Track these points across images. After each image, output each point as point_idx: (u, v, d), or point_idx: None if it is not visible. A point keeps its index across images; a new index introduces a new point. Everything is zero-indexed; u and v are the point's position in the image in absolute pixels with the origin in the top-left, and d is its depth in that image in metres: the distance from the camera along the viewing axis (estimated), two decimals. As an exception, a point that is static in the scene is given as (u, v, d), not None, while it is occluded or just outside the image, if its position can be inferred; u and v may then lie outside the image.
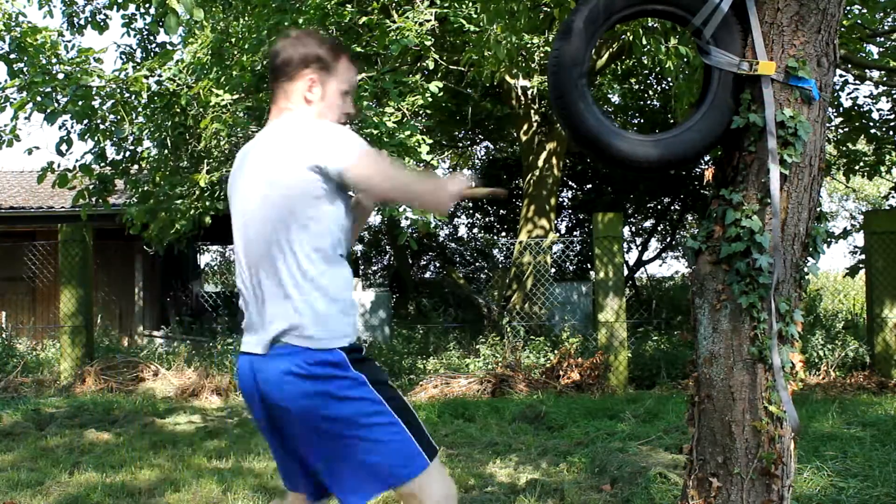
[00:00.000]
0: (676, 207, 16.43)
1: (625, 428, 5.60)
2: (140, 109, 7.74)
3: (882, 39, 8.38)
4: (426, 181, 2.08)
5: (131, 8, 10.27)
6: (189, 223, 8.04)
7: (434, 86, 7.78)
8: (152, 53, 11.15)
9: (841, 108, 9.84)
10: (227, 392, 7.80)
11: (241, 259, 2.05)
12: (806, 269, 2.51)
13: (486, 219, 18.19)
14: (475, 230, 18.62)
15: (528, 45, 8.90)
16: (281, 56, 2.06)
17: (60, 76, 7.28)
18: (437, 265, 17.79)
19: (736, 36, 2.49)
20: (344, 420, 1.92)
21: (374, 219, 18.89)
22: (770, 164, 2.40)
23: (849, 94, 10.74)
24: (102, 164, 8.14)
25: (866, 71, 8.68)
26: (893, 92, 9.81)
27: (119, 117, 7.60)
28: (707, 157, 3.01)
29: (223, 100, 7.07)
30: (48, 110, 7.15)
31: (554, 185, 11.84)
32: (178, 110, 7.66)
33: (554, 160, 11.68)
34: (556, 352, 8.51)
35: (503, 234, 17.52)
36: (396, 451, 1.93)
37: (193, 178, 7.82)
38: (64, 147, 7.63)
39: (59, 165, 7.96)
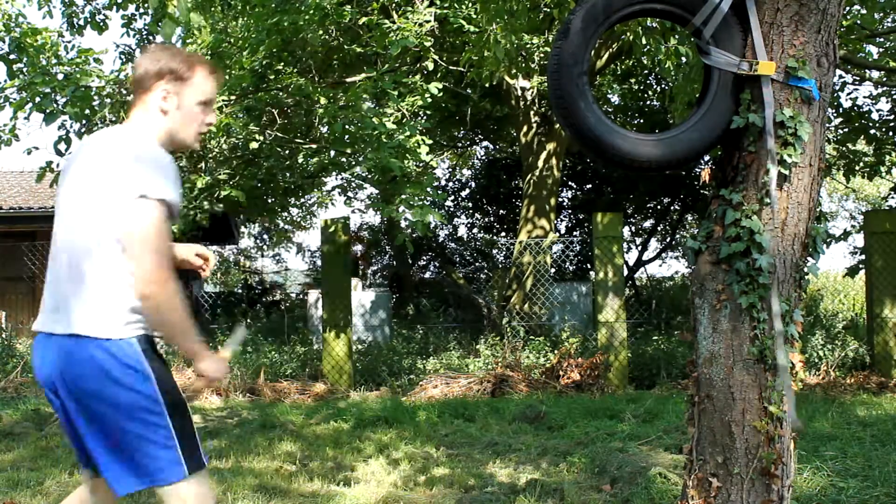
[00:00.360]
0: (676, 207, 16.43)
1: (625, 428, 5.60)
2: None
3: (882, 39, 8.38)
4: (185, 322, 2.06)
5: (131, 8, 10.27)
6: (187, 224, 8.04)
7: (434, 86, 7.78)
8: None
9: (841, 109, 9.84)
10: (226, 392, 7.80)
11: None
12: (806, 269, 2.51)
13: (486, 219, 18.19)
14: (475, 230, 18.63)
15: (528, 46, 8.90)
16: (138, 70, 2.15)
17: (60, 77, 7.28)
18: (437, 265, 17.79)
19: (736, 36, 2.49)
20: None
21: (374, 219, 18.93)
22: (769, 164, 2.40)
23: (848, 94, 10.75)
24: None
25: (866, 71, 8.68)
26: (893, 92, 9.81)
27: (118, 117, 7.59)
28: (707, 158, 3.01)
29: (221, 100, 7.06)
30: (47, 111, 7.15)
31: (554, 185, 11.84)
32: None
33: (554, 160, 11.68)
34: (556, 352, 8.51)
35: (503, 234, 17.52)
36: (161, 454, 2.00)
37: (191, 178, 7.82)
38: (62, 146, 7.63)
39: (57, 165, 7.96)
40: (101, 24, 10.44)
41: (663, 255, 17.58)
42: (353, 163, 8.46)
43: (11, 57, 7.36)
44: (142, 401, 1.99)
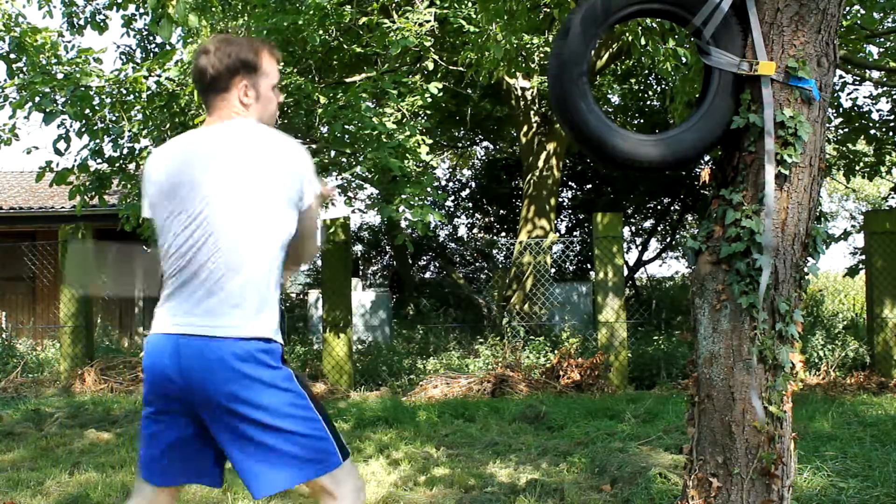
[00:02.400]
0: (676, 207, 16.43)
1: (625, 428, 5.60)
2: (139, 108, 7.74)
3: (882, 39, 8.38)
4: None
5: (131, 8, 10.27)
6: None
7: (434, 86, 7.78)
8: (152, 54, 11.15)
9: (841, 109, 9.84)
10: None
11: None
12: (806, 269, 2.51)
13: (486, 219, 18.19)
14: (475, 230, 18.63)
15: (528, 46, 8.90)
16: (209, 72, 2.14)
17: (59, 76, 7.28)
18: (437, 265, 17.78)
19: (736, 36, 2.49)
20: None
21: (375, 219, 18.92)
22: (766, 164, 2.40)
23: (849, 94, 10.75)
24: (100, 161, 8.14)
25: (866, 71, 8.68)
26: (893, 92, 9.81)
27: (118, 116, 7.60)
28: (707, 157, 3.01)
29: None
30: (47, 110, 7.15)
31: (554, 185, 11.84)
32: (178, 110, 7.66)
33: (554, 160, 11.68)
34: (556, 352, 8.51)
35: (503, 234, 17.52)
36: (313, 445, 2.03)
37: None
38: (62, 145, 7.63)
39: (57, 164, 7.96)
40: (102, 24, 10.45)
41: (663, 255, 17.59)
42: (353, 163, 8.46)
43: (11, 56, 7.36)
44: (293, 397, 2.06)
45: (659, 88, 14.13)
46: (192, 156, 2.11)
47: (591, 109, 2.44)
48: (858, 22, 7.24)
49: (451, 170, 19.91)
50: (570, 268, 14.95)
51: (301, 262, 2.23)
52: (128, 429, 5.95)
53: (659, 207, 16.68)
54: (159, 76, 7.59)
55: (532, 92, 11.63)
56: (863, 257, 9.34)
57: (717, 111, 2.50)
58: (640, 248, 17.10)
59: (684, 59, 6.51)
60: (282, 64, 7.10)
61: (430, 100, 7.84)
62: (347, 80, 8.57)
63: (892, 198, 11.50)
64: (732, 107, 2.49)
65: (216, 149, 2.09)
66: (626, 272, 13.51)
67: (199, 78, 2.17)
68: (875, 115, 10.16)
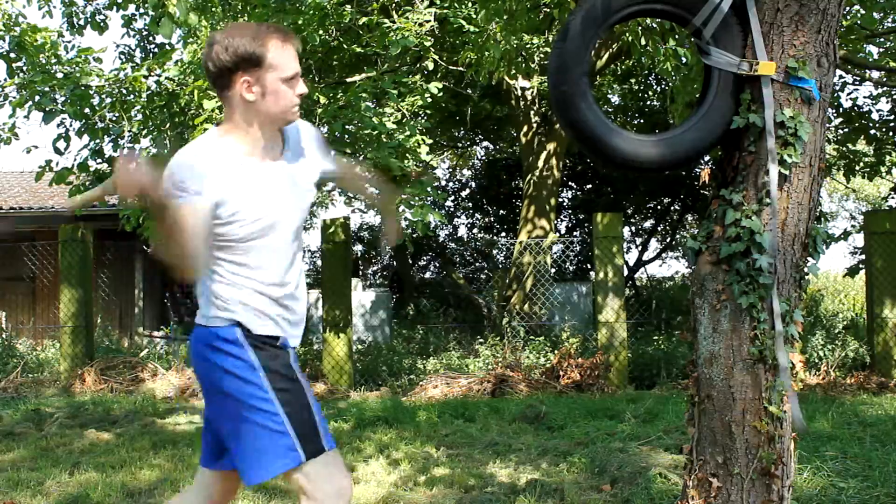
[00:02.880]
0: (676, 207, 16.44)
1: (625, 428, 5.59)
2: (138, 108, 7.74)
3: (882, 39, 8.39)
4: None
5: (131, 8, 10.27)
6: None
7: (434, 86, 7.78)
8: (152, 53, 11.15)
9: (841, 109, 9.84)
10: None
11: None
12: (806, 269, 2.51)
13: (486, 219, 18.19)
14: (475, 230, 18.63)
15: (528, 46, 8.90)
16: (210, 69, 2.05)
17: (59, 76, 7.28)
18: (437, 265, 17.79)
19: (736, 36, 2.49)
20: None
21: (375, 219, 18.92)
22: (769, 164, 2.40)
23: (848, 94, 10.76)
24: (99, 161, 8.14)
25: (866, 71, 8.68)
26: (893, 92, 9.81)
27: (117, 116, 7.60)
28: (707, 158, 3.01)
29: (218, 101, 7.06)
30: (47, 109, 7.15)
31: (554, 185, 11.84)
32: (178, 110, 7.66)
33: (554, 161, 11.68)
34: (556, 352, 8.51)
35: (503, 234, 17.52)
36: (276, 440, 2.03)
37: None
38: (61, 145, 7.62)
39: (57, 164, 7.96)
40: (102, 23, 10.44)
41: (663, 255, 17.60)
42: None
43: (11, 56, 7.36)
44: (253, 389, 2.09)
45: (659, 88, 14.13)
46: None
47: (592, 110, 2.44)
48: (858, 22, 7.24)
49: (451, 170, 19.92)
50: (571, 268, 14.95)
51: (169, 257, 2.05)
52: (128, 429, 5.95)
53: (659, 207, 16.68)
54: (159, 76, 7.59)
55: (532, 92, 11.63)
56: (863, 257, 9.33)
57: (717, 111, 2.49)
58: (640, 248, 17.12)
59: (684, 59, 6.51)
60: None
61: (430, 100, 7.83)
62: (347, 80, 8.57)
63: (892, 198, 11.50)
64: (732, 107, 2.49)
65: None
66: (626, 272, 13.51)
67: (205, 75, 2.14)
68: (875, 115, 10.18)
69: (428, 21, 7.62)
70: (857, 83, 10.07)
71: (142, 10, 10.58)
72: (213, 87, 2.10)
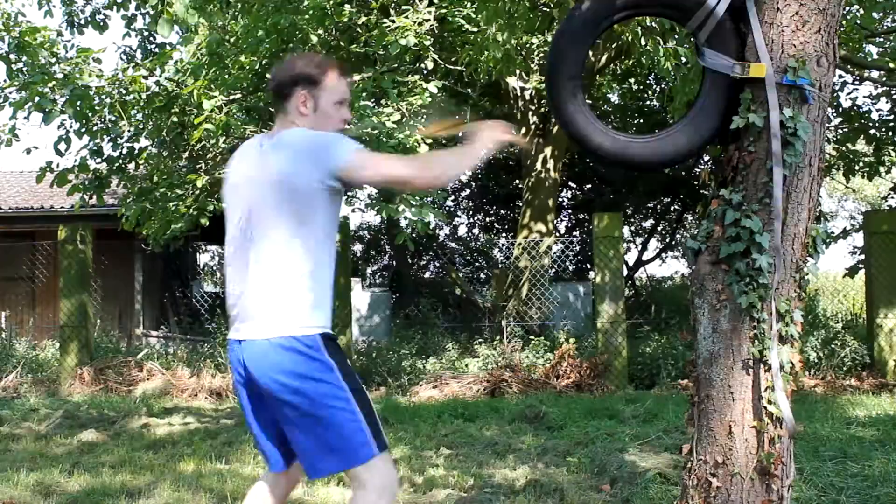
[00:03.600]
0: (676, 207, 16.43)
1: (625, 428, 5.59)
2: (138, 108, 7.73)
3: (882, 39, 8.39)
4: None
5: (131, 8, 10.27)
6: (186, 223, 8.03)
7: (433, 86, 7.77)
8: (152, 54, 11.15)
9: (841, 109, 9.84)
10: (225, 392, 7.79)
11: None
12: (806, 269, 2.51)
13: (486, 219, 18.19)
14: (475, 230, 18.62)
15: (527, 45, 8.90)
16: (274, 81, 2.39)
17: (59, 76, 7.27)
18: (437, 265, 17.78)
19: (730, 39, 2.50)
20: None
21: (374, 219, 18.91)
22: (773, 166, 2.40)
23: (848, 94, 10.76)
24: (99, 161, 8.14)
25: (866, 71, 8.68)
26: (893, 92, 9.81)
27: (117, 116, 7.59)
28: (707, 158, 3.03)
29: (217, 101, 7.05)
30: (46, 109, 7.15)
31: (553, 185, 11.83)
32: (178, 110, 7.65)
33: (553, 161, 11.67)
34: (555, 352, 8.50)
35: (503, 234, 17.51)
36: (350, 436, 2.19)
37: (190, 178, 7.82)
38: (62, 146, 7.62)
39: (57, 165, 7.95)
40: (102, 23, 10.44)
41: (663, 255, 17.59)
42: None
43: (11, 57, 7.35)
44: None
45: (658, 88, 14.13)
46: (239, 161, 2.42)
47: (581, 110, 2.56)
48: (858, 22, 7.24)
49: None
50: (570, 268, 14.95)
51: None
52: (126, 429, 5.95)
53: (659, 207, 16.67)
54: (159, 76, 7.59)
55: (531, 92, 11.62)
56: (862, 257, 9.33)
57: (708, 112, 2.54)
58: (639, 248, 17.11)
59: (684, 59, 6.51)
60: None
61: (429, 99, 7.82)
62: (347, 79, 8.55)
63: (892, 198, 11.50)
64: (723, 108, 2.52)
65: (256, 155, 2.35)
66: (625, 272, 13.51)
67: (269, 86, 2.45)
68: (875, 115, 10.17)
69: (427, 20, 7.61)
70: (856, 83, 10.07)
71: (142, 11, 10.58)
72: (274, 96, 2.39)
